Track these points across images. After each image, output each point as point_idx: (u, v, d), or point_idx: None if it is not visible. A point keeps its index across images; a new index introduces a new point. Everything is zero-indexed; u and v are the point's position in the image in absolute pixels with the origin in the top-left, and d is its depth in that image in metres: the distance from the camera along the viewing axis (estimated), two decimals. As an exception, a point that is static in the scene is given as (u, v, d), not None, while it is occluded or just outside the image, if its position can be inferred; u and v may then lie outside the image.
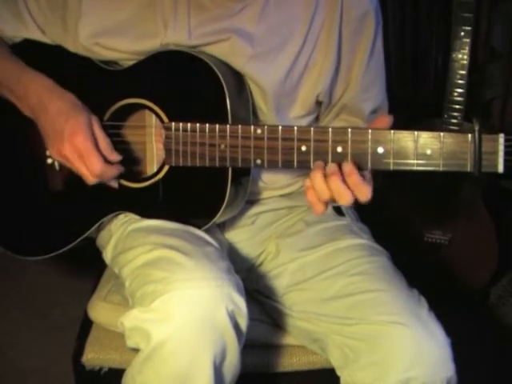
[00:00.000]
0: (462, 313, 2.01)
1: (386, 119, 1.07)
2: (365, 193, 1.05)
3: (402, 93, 2.26)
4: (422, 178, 2.09)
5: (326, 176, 1.06)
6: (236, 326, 1.06)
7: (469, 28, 1.86)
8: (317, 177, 1.06)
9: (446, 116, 1.89)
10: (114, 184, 1.24)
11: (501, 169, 1.02)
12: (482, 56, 2.23)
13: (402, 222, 2.12)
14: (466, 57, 1.87)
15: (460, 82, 1.88)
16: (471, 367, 1.30)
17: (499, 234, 2.06)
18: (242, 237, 1.38)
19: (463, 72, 1.88)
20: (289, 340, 1.32)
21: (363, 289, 1.18)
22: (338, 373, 1.19)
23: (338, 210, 1.40)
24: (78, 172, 1.20)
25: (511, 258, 2.14)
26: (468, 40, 1.86)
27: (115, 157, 1.21)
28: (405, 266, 1.27)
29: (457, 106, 1.88)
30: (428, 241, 2.11)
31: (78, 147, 1.17)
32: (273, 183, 1.38)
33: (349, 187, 1.05)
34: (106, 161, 1.19)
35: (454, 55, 1.88)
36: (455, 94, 1.88)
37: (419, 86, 2.30)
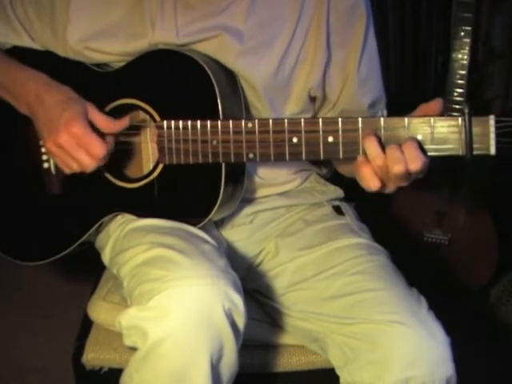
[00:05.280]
0: (462, 313, 2.01)
1: (438, 104, 1.06)
2: (420, 161, 1.03)
3: (401, 93, 2.26)
4: (422, 177, 2.09)
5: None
6: (233, 324, 1.06)
7: (469, 28, 1.86)
8: (373, 142, 1.05)
9: (446, 116, 1.89)
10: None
11: (493, 151, 1.02)
12: (482, 56, 2.23)
13: (402, 221, 2.12)
14: (466, 57, 1.88)
15: (460, 81, 1.88)
16: (471, 367, 1.30)
17: (499, 234, 2.06)
18: (240, 236, 1.38)
19: (463, 72, 1.88)
20: (288, 340, 1.32)
21: (363, 288, 1.18)
22: (338, 372, 1.19)
23: (338, 210, 1.40)
24: (74, 162, 1.19)
25: (511, 258, 2.14)
26: (468, 40, 1.87)
27: (118, 125, 1.20)
28: (405, 266, 1.27)
29: (457, 106, 1.88)
30: (428, 241, 2.11)
31: (75, 134, 1.16)
32: (270, 179, 1.38)
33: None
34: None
35: (454, 55, 1.88)
36: (455, 94, 1.88)
37: (419, 86, 2.30)
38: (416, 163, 1.03)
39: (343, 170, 1.39)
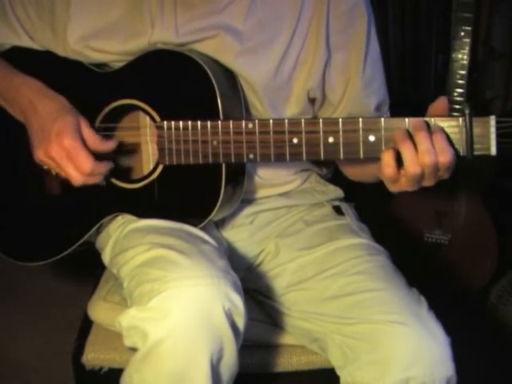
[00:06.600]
0: (462, 313, 2.01)
1: (443, 101, 1.05)
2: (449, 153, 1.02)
3: (401, 93, 2.26)
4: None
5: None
6: (233, 325, 1.06)
7: (469, 28, 1.86)
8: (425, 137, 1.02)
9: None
10: (102, 182, 1.23)
11: (493, 151, 1.02)
12: (482, 56, 2.23)
13: (402, 221, 2.12)
14: (465, 57, 1.88)
15: (460, 81, 1.89)
16: (471, 367, 1.30)
17: (499, 234, 2.06)
18: (240, 236, 1.38)
19: (463, 72, 1.88)
20: (288, 340, 1.32)
21: (363, 288, 1.18)
22: (338, 372, 1.19)
23: (338, 210, 1.40)
24: (64, 174, 1.20)
25: (511, 258, 2.14)
26: (468, 40, 1.87)
27: (107, 146, 1.20)
28: (405, 266, 1.27)
29: (457, 106, 1.88)
30: (428, 241, 2.11)
31: (65, 147, 1.17)
32: (271, 179, 1.37)
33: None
34: (97, 158, 1.19)
35: (454, 55, 1.88)
36: (455, 94, 1.88)
37: (419, 86, 2.30)
38: (445, 155, 1.02)
39: (361, 172, 1.35)
